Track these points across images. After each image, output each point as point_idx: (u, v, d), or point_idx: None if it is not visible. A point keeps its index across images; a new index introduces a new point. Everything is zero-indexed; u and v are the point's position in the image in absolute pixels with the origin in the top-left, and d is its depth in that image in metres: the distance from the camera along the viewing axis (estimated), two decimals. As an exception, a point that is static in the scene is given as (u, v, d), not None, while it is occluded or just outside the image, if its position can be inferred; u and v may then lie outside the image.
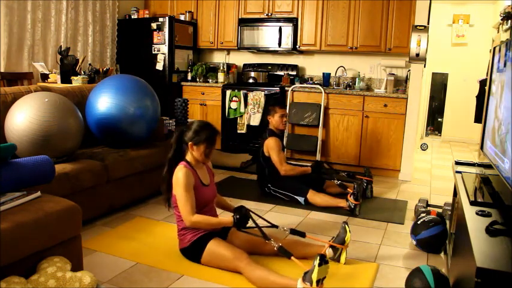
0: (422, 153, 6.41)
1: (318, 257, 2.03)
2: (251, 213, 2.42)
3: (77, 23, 5.00)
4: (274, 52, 5.57)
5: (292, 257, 2.27)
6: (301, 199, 3.63)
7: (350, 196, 3.44)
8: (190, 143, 2.43)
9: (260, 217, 2.69)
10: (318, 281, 2.02)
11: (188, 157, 2.50)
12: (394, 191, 4.21)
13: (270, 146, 3.70)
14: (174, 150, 2.52)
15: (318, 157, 4.85)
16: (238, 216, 2.33)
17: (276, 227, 2.59)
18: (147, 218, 3.20)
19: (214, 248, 2.38)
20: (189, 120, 5.12)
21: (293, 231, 2.57)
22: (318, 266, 2.01)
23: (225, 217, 2.43)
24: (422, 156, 6.13)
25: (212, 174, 2.66)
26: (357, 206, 3.41)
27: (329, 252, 2.53)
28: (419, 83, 4.57)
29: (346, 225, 2.55)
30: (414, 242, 2.83)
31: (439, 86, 7.89)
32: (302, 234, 2.57)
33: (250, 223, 2.39)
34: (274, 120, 3.75)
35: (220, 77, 5.53)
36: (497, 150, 2.06)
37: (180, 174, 2.38)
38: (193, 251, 2.45)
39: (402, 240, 3.00)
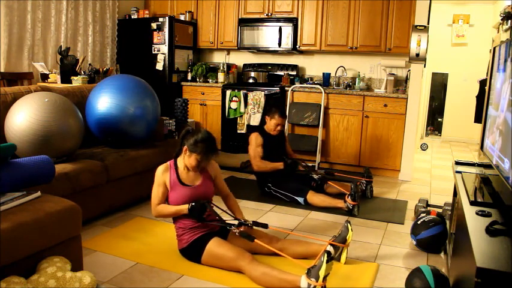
0: (422, 153, 6.41)
1: (326, 254, 2.06)
2: (211, 205, 2.50)
3: (77, 23, 5.00)
4: (274, 52, 5.57)
5: (256, 240, 2.36)
6: (300, 199, 3.63)
7: (348, 197, 3.44)
8: (185, 147, 2.45)
9: (224, 211, 2.68)
10: (323, 278, 2.05)
11: (180, 157, 2.54)
12: (394, 191, 4.21)
13: (249, 140, 3.76)
14: (179, 149, 2.54)
15: (318, 157, 4.85)
16: (193, 204, 2.41)
17: (238, 219, 2.60)
18: (147, 218, 3.20)
19: (214, 248, 2.38)
20: (189, 120, 5.13)
21: (255, 224, 2.57)
22: (325, 263, 2.03)
23: (183, 205, 2.46)
24: (422, 156, 6.13)
25: (208, 177, 2.61)
26: (354, 206, 3.41)
27: (330, 250, 2.53)
28: (419, 83, 4.57)
29: (349, 224, 2.55)
30: (414, 242, 2.83)
31: (439, 86, 7.89)
32: (264, 226, 2.56)
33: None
34: (269, 123, 3.77)
35: (220, 77, 5.53)
36: (497, 150, 2.06)
37: (157, 170, 2.52)
38: (192, 251, 2.45)
39: (402, 240, 3.00)
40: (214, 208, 2.54)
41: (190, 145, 2.43)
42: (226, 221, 2.51)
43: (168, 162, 2.55)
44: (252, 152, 3.73)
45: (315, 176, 3.80)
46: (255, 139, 3.75)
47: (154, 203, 2.50)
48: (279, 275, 2.20)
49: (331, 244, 2.53)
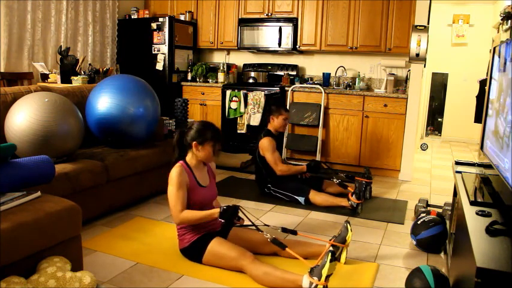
0: (422, 153, 6.41)
1: (330, 253, 2.05)
2: (243, 209, 2.41)
3: (77, 23, 5.00)
4: (274, 52, 5.57)
5: (287, 248, 2.30)
6: (301, 199, 3.63)
7: (352, 195, 3.44)
8: (194, 142, 2.42)
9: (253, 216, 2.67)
10: (326, 277, 2.04)
11: (188, 157, 2.50)
12: (394, 191, 4.21)
13: (264, 146, 3.70)
14: (179, 152, 2.51)
15: (318, 157, 4.85)
16: (225, 207, 2.31)
17: (267, 225, 2.59)
18: (147, 218, 3.20)
19: (216, 247, 2.38)
20: (189, 120, 5.13)
21: (284, 230, 2.55)
22: (329, 262, 2.03)
23: (214, 209, 2.38)
24: (422, 156, 6.13)
25: (213, 176, 2.66)
26: (358, 204, 3.41)
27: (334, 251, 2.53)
28: (419, 83, 4.57)
29: (348, 224, 2.55)
30: (414, 242, 2.83)
31: (439, 86, 7.89)
32: (294, 232, 2.56)
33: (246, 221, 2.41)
34: (277, 121, 3.75)
35: (220, 77, 5.53)
36: (497, 150, 2.06)
37: (173, 172, 2.39)
38: (193, 251, 2.45)
39: (402, 240, 3.00)
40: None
41: (197, 138, 2.40)
42: (258, 226, 2.46)
43: (180, 164, 2.44)
44: (271, 157, 3.67)
45: (335, 180, 3.69)
46: (270, 144, 3.69)
47: (178, 209, 2.34)
48: (281, 275, 2.20)
49: (331, 244, 2.53)
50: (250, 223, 2.48)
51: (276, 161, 3.68)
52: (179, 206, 2.35)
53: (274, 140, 3.74)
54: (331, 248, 2.44)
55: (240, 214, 2.38)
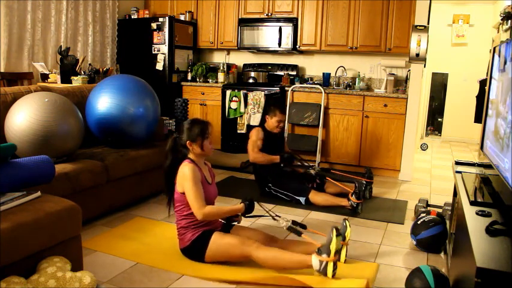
0: (422, 153, 6.41)
1: (334, 229, 2.12)
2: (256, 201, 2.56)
3: (77, 23, 5.00)
4: (274, 52, 5.57)
5: (303, 235, 2.36)
6: (302, 199, 3.63)
7: (352, 195, 3.44)
8: (188, 142, 2.46)
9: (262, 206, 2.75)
10: (335, 253, 2.10)
11: (191, 156, 2.52)
12: (394, 191, 4.21)
13: (250, 134, 3.77)
14: (171, 160, 2.52)
15: (318, 157, 4.85)
16: (247, 202, 2.45)
17: (279, 216, 2.62)
18: (147, 218, 3.20)
19: (219, 239, 2.39)
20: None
21: (294, 222, 2.57)
22: (335, 237, 2.09)
23: (237, 205, 2.49)
24: (422, 156, 6.13)
25: (213, 175, 2.68)
26: (359, 204, 3.41)
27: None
28: (419, 83, 4.57)
29: (347, 221, 2.55)
30: (414, 242, 2.83)
31: (439, 86, 7.89)
32: (303, 226, 2.59)
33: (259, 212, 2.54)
34: (271, 122, 3.78)
35: (220, 77, 5.53)
36: (497, 150, 2.06)
37: (186, 169, 2.41)
38: (195, 249, 2.45)
39: (402, 240, 2.99)
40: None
41: (189, 137, 2.45)
42: (275, 215, 2.57)
43: (189, 162, 2.46)
44: (251, 144, 3.73)
45: (312, 171, 3.78)
46: (256, 133, 3.76)
47: (200, 205, 2.35)
48: (290, 257, 2.27)
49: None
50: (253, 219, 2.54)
51: (254, 147, 3.71)
52: (200, 201, 2.36)
53: (263, 132, 3.77)
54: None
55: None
